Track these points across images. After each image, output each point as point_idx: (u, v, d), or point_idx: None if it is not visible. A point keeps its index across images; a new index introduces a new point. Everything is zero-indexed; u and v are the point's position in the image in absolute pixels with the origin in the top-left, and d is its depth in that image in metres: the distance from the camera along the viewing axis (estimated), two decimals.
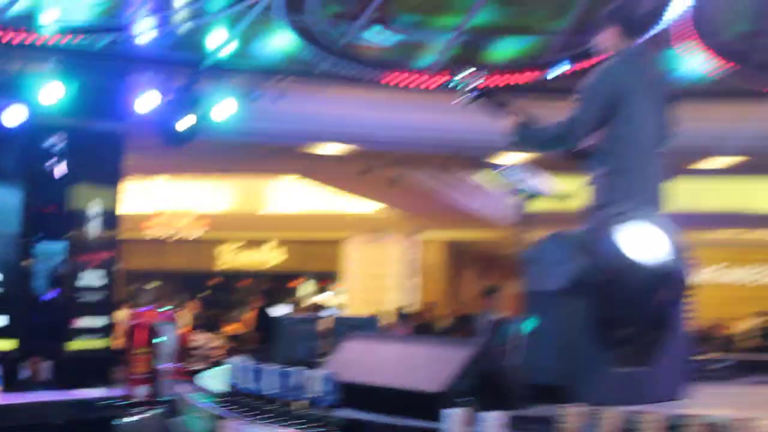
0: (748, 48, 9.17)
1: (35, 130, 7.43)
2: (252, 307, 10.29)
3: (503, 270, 12.82)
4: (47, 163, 7.55)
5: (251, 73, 8.52)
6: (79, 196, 7.74)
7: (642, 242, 3.39)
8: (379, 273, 14.42)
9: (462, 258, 15.91)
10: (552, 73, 6.60)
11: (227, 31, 8.18)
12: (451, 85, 3.61)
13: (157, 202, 13.58)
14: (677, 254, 3.37)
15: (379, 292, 13.27)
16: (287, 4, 8.30)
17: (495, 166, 3.67)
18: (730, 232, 13.40)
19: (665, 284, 3.43)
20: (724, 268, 14.41)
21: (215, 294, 14.48)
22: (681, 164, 9.42)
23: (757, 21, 9.63)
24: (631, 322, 3.33)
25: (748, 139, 8.71)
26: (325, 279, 15.18)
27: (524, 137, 3.56)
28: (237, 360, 3.67)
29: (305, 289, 15.52)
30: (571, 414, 2.19)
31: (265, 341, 7.22)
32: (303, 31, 8.79)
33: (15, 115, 6.93)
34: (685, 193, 7.07)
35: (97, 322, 7.80)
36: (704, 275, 12.53)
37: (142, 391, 6.31)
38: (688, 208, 9.15)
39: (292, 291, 15.18)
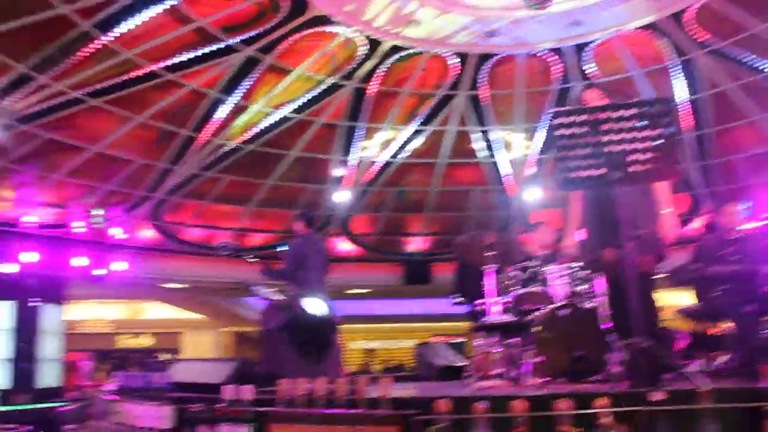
0: None
1: None
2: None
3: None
4: None
5: None
6: None
7: (313, 305, 5.90)
8: (202, 351, 21.66)
9: (242, 340, 22.73)
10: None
11: None
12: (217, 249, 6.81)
13: (87, 313, 21.43)
14: (331, 313, 5.90)
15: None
16: None
17: (251, 287, 6.82)
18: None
19: (326, 325, 5.93)
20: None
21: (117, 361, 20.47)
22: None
23: None
24: (311, 343, 5.63)
25: None
26: (175, 353, 21.71)
27: (266, 274, 6.56)
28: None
29: (164, 356, 21.62)
30: (283, 383, 3.51)
31: None
32: None
33: None
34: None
35: None
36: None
37: None
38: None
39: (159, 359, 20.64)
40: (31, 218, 13.15)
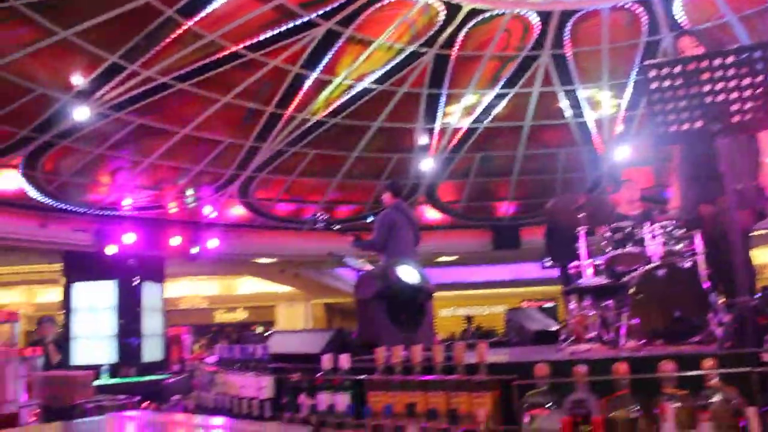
0: None
1: None
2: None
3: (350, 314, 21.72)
4: None
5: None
6: None
7: (407, 274, 5.85)
8: (294, 323, 23.23)
9: (332, 311, 24.53)
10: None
11: None
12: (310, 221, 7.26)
13: (184, 290, 22.87)
14: (424, 280, 5.87)
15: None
16: None
17: (341, 259, 7.00)
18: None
19: (420, 293, 5.86)
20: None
21: (214, 335, 21.64)
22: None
23: None
24: (407, 310, 5.52)
25: None
26: (268, 326, 22.97)
27: (357, 245, 6.84)
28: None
29: (259, 329, 23.21)
30: (380, 352, 3.39)
31: None
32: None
33: None
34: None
35: None
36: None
37: None
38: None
39: (254, 332, 22.46)
40: (129, 201, 13.70)
